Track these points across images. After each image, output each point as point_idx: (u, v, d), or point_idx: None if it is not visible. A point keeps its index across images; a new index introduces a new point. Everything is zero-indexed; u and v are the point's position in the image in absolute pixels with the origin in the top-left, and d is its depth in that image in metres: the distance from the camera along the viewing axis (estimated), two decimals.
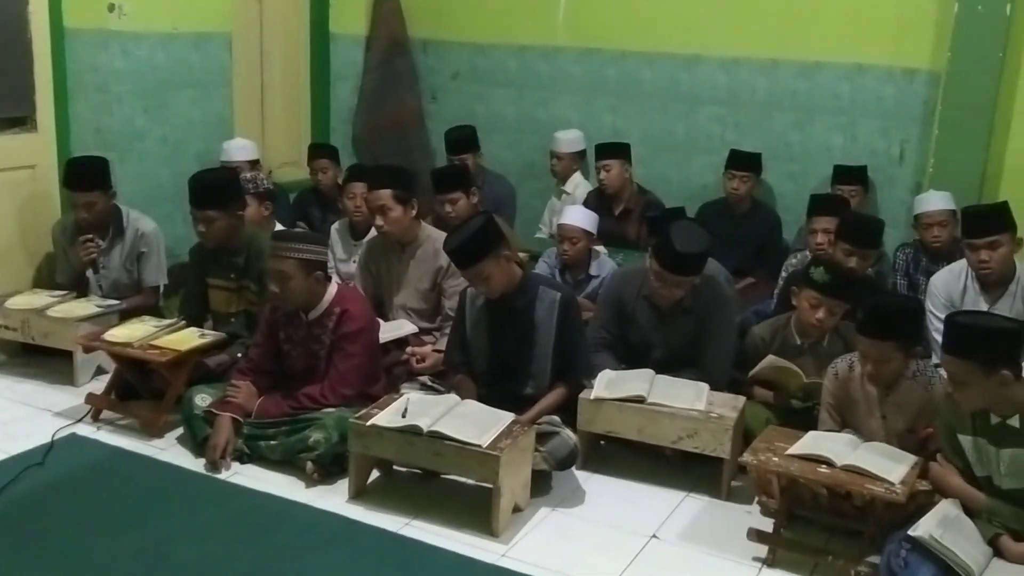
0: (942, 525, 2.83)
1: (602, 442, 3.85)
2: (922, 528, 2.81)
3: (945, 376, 3.51)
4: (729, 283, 4.58)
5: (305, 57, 6.45)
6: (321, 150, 5.85)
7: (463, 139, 5.62)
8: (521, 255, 4.48)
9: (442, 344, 4.09)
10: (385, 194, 4.23)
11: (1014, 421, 2.84)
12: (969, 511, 2.93)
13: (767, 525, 3.26)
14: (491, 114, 6.25)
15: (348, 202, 5.01)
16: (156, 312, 4.46)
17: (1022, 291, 4.08)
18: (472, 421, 3.34)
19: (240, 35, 5.75)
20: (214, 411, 3.68)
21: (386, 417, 3.39)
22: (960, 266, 4.25)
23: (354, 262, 4.80)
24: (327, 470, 3.55)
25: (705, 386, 3.74)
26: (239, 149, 5.41)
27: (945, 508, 2.93)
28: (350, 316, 3.67)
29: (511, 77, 6.21)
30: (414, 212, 4.30)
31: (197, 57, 5.36)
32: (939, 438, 3.11)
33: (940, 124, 5.07)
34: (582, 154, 5.67)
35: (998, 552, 2.85)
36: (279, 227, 4.50)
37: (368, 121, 6.41)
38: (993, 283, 4.11)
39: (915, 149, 5.27)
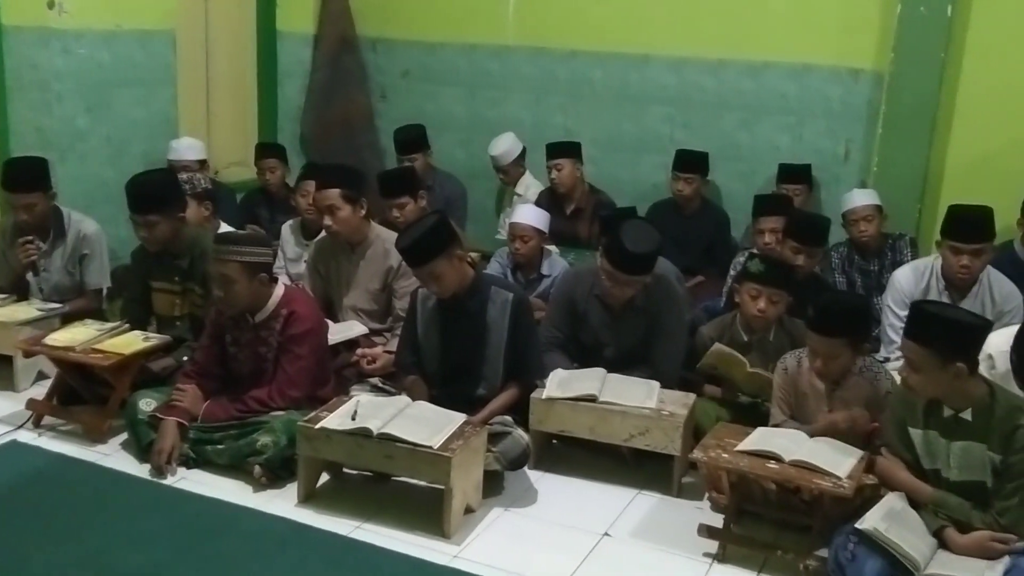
0: (888, 518, 2.87)
1: (554, 441, 3.85)
2: (869, 521, 2.86)
3: (893, 369, 3.62)
4: (680, 281, 4.61)
5: (252, 55, 6.38)
6: (269, 149, 5.79)
7: (412, 138, 5.59)
8: (473, 255, 4.47)
9: (393, 345, 4.05)
10: (333, 193, 4.19)
11: (967, 415, 2.89)
12: (915, 504, 2.98)
13: (718, 521, 3.28)
14: (441, 113, 6.23)
15: (301, 200, 4.96)
16: (99, 315, 4.37)
17: (984, 294, 4.12)
18: (423, 422, 3.32)
19: (184, 33, 5.67)
20: (159, 415, 3.61)
21: (336, 420, 3.35)
22: (925, 264, 4.28)
23: (304, 263, 4.74)
24: (275, 474, 3.50)
25: (656, 384, 3.76)
26: (187, 148, 5.33)
27: (891, 501, 2.97)
28: (297, 317, 3.63)
29: (461, 76, 6.20)
30: (363, 212, 4.26)
31: (141, 55, 5.28)
32: (886, 432, 3.15)
33: (884, 124, 5.16)
34: (523, 154, 5.67)
35: (943, 544, 2.89)
36: (224, 227, 4.42)
37: (317, 120, 6.35)
38: (962, 286, 4.13)
39: (860, 148, 5.36)
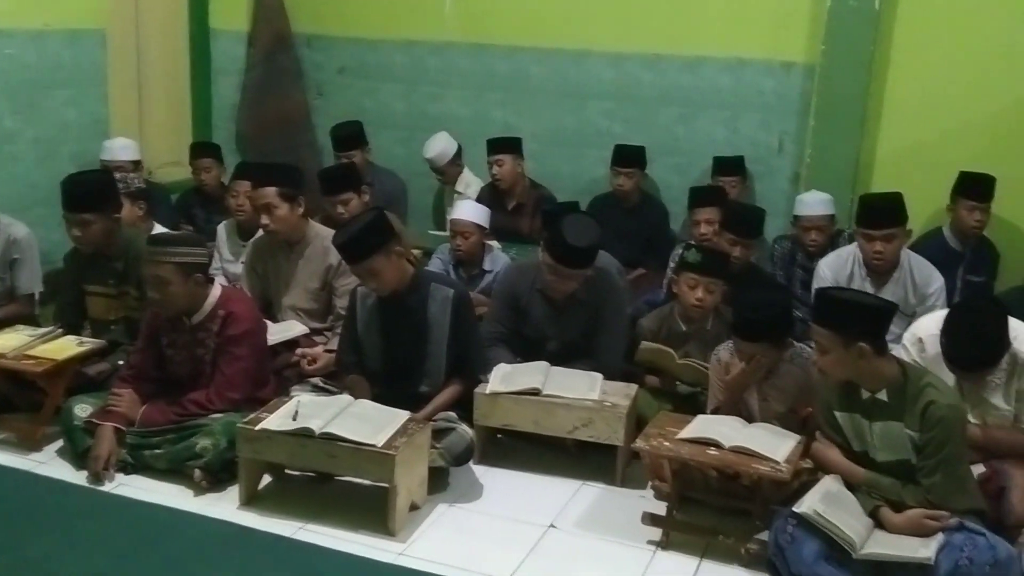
0: (825, 500, 2.94)
1: (499, 436, 3.87)
2: (806, 504, 2.92)
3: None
4: (621, 274, 4.65)
5: (184, 54, 6.27)
6: (204, 149, 5.70)
7: (350, 135, 5.55)
8: (415, 252, 4.46)
9: (334, 345, 4.02)
10: (270, 192, 4.14)
11: (883, 395, 2.97)
12: (850, 485, 3.04)
13: (660, 509, 3.32)
14: (380, 110, 6.19)
15: (232, 200, 4.89)
16: (31, 321, 4.24)
17: (906, 278, 4.23)
18: (366, 421, 3.30)
19: (115, 31, 5.56)
20: (95, 421, 3.55)
21: (276, 420, 3.32)
22: (848, 251, 4.38)
23: (241, 263, 4.68)
24: (216, 477, 3.46)
25: (599, 376, 3.79)
26: (121, 148, 5.24)
27: (827, 484, 3.03)
28: (235, 318, 3.58)
29: (399, 72, 6.16)
30: (301, 210, 4.22)
31: (70, 55, 5.17)
32: (818, 416, 3.22)
33: (816, 116, 5.25)
34: (459, 153, 5.66)
35: (879, 523, 2.97)
36: (158, 227, 4.35)
37: (252, 118, 6.27)
38: (880, 271, 4.24)
39: (793, 140, 5.45)
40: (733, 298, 3.52)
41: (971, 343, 3.09)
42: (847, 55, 5.13)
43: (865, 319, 2.95)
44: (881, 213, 4.17)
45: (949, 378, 3.19)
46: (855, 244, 4.34)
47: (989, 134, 4.98)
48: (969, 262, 4.77)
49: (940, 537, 2.83)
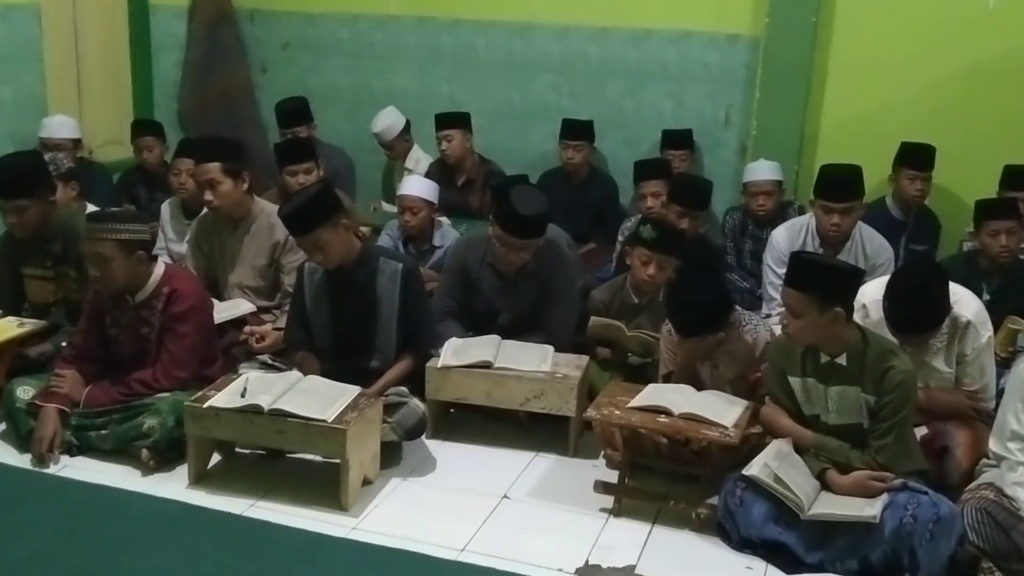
0: (773, 464, 2.98)
1: (451, 409, 3.86)
2: (755, 468, 2.96)
3: (774, 324, 3.74)
4: (571, 248, 4.67)
5: (123, 29, 6.12)
6: (145, 127, 5.57)
7: (295, 111, 5.46)
8: (363, 229, 4.41)
9: (282, 322, 3.97)
10: (213, 167, 4.06)
11: (842, 360, 3.01)
12: (798, 449, 3.09)
13: (612, 477, 3.35)
14: (325, 85, 6.12)
15: (174, 179, 4.80)
16: None
17: (857, 249, 4.29)
18: (316, 396, 3.27)
19: (50, 6, 5.43)
20: (38, 403, 3.47)
21: (224, 398, 3.28)
22: (801, 222, 4.43)
23: (186, 242, 4.59)
24: (164, 456, 3.41)
25: (550, 348, 3.80)
26: (60, 126, 5.13)
27: (776, 447, 3.08)
28: (179, 295, 3.52)
29: (344, 47, 6.09)
30: (245, 186, 4.14)
31: (3, 31, 5.06)
32: (767, 382, 3.26)
33: (761, 88, 5.30)
34: (407, 128, 5.62)
35: (826, 485, 3.02)
36: (91, 208, 4.24)
37: (194, 95, 6.16)
38: (835, 243, 4.28)
39: (739, 113, 5.49)
40: (666, 294, 3.52)
41: (913, 306, 3.15)
42: (791, 27, 5.18)
43: (842, 283, 2.98)
44: (842, 186, 4.21)
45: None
46: (808, 215, 4.39)
47: (930, 105, 5.08)
48: (911, 231, 4.86)
49: (885, 497, 2.88)
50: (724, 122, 5.54)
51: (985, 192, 4.49)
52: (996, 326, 3.54)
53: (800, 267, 3.03)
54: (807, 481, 3.00)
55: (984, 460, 3.05)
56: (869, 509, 2.85)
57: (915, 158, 4.82)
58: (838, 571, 2.92)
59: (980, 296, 3.62)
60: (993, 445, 2.94)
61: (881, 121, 5.14)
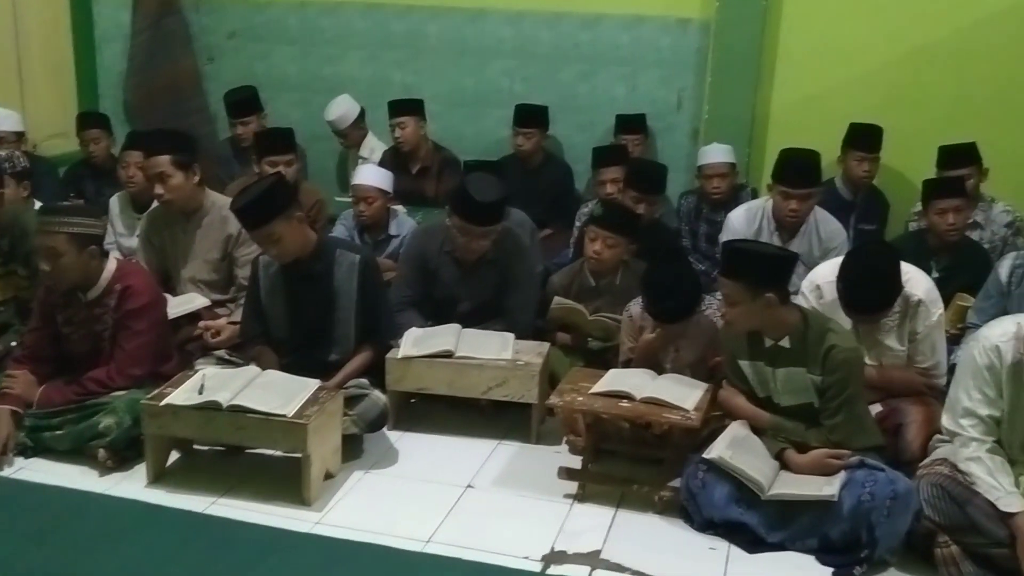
0: (733, 446, 3.03)
1: (412, 400, 3.85)
2: (715, 450, 3.00)
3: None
4: (534, 233, 4.68)
5: (65, 19, 5.98)
6: (91, 119, 5.46)
7: (245, 101, 5.39)
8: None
9: (237, 316, 3.92)
10: (163, 160, 3.98)
11: (785, 342, 3.07)
12: (757, 430, 3.14)
13: (576, 462, 3.37)
14: (274, 74, 6.02)
15: (123, 172, 4.71)
16: None
17: (812, 232, 4.34)
18: (275, 391, 3.24)
19: None
20: None
21: (182, 395, 3.24)
22: (757, 205, 4.47)
23: (137, 236, 4.51)
24: (122, 456, 3.36)
25: (511, 336, 3.81)
26: (4, 118, 5.00)
27: (735, 430, 3.12)
28: (133, 292, 3.46)
29: (293, 34, 6.00)
30: (196, 178, 4.08)
31: None
32: (724, 365, 3.30)
33: (712, 72, 5.33)
34: (362, 116, 5.57)
35: (784, 465, 3.08)
36: (39, 204, 4.16)
37: (140, 86, 6.03)
38: (791, 227, 4.33)
39: (691, 96, 5.52)
40: (642, 281, 3.55)
41: (867, 286, 3.21)
42: (741, 11, 5.21)
43: (770, 269, 3.04)
44: (802, 172, 4.25)
45: (846, 322, 3.31)
46: (765, 198, 4.43)
47: (878, 87, 5.14)
48: (860, 211, 4.94)
49: (843, 475, 2.94)
50: (676, 106, 5.56)
51: (931, 172, 4.58)
52: (946, 303, 3.61)
53: (730, 256, 3.10)
54: (766, 462, 3.05)
55: (938, 436, 3.11)
56: (828, 488, 2.91)
57: (863, 140, 4.88)
58: (799, 549, 2.98)
59: (930, 274, 3.69)
60: (946, 421, 3.00)
61: (830, 103, 5.20)
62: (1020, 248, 4.26)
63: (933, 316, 3.36)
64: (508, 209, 4.67)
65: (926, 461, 3.05)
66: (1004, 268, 3.82)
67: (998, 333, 2.89)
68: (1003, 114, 4.97)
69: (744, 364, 3.17)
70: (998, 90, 5.00)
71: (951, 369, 3.30)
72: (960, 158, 4.57)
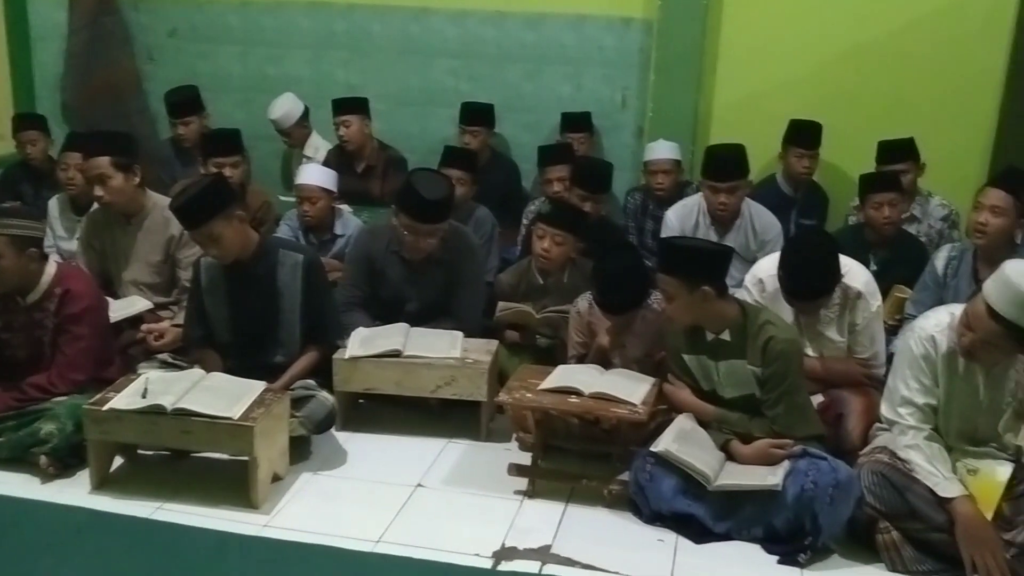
0: (679, 439, 3.07)
1: (360, 400, 3.83)
2: (662, 443, 3.04)
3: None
4: (495, 228, 4.70)
5: None
6: (27, 120, 5.34)
7: (186, 101, 5.32)
8: None
9: (180, 319, 3.87)
10: (103, 162, 3.92)
11: (725, 335, 3.12)
12: (702, 423, 3.19)
13: (526, 459, 3.38)
14: (216, 73, 5.94)
15: (62, 174, 4.62)
16: None
17: (747, 226, 4.42)
18: (220, 394, 3.20)
19: None
20: None
21: (125, 399, 3.18)
22: (692, 202, 4.54)
23: (76, 239, 4.43)
24: (64, 462, 3.30)
25: (459, 334, 3.81)
26: None
27: (681, 423, 3.17)
28: (73, 295, 3.40)
29: (234, 33, 5.93)
30: (137, 180, 4.01)
31: None
32: (669, 360, 3.34)
33: (655, 71, 5.39)
34: (306, 114, 5.53)
35: (730, 456, 3.13)
36: None
37: (78, 86, 5.91)
38: (724, 220, 4.41)
39: (635, 95, 5.56)
40: (592, 272, 3.58)
41: (806, 273, 3.29)
42: (682, 10, 5.27)
43: (706, 263, 3.09)
44: (726, 166, 4.33)
45: (788, 314, 3.38)
46: (700, 194, 4.50)
47: (817, 84, 5.24)
48: (801, 206, 5.02)
49: (786, 464, 3.00)
50: (621, 104, 5.61)
51: (869, 167, 4.67)
52: (884, 295, 3.70)
53: (666, 252, 3.17)
54: (711, 453, 3.10)
55: (877, 425, 3.19)
56: (772, 478, 2.96)
57: (802, 136, 4.97)
58: (745, 539, 3.03)
59: (868, 267, 3.78)
60: (885, 410, 3.08)
61: (770, 101, 5.28)
62: (956, 241, 4.38)
63: (871, 308, 3.44)
64: (472, 204, 4.71)
65: (866, 449, 3.12)
66: (940, 260, 3.94)
67: (933, 323, 2.98)
68: (937, 111, 5.10)
69: (688, 358, 3.22)
70: (932, 88, 5.12)
71: (889, 359, 3.38)
72: (898, 153, 4.67)
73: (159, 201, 4.11)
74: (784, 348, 3.06)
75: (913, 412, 2.97)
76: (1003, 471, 2.89)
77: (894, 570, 2.89)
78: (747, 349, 3.09)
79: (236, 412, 3.11)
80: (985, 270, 3.72)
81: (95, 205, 4.14)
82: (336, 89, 5.63)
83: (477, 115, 5.42)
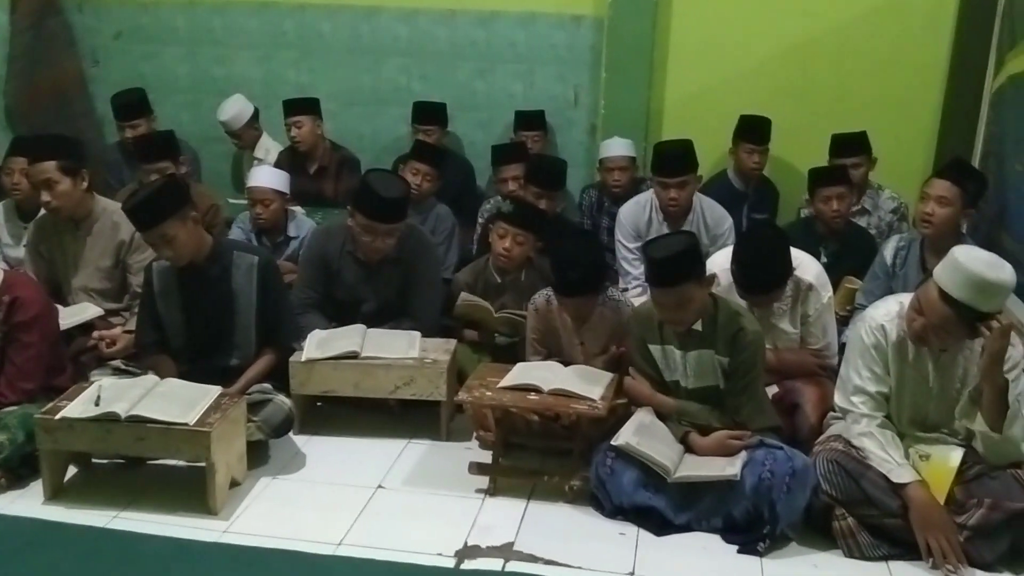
0: (639, 432, 3.09)
1: (318, 403, 3.81)
2: (622, 437, 3.06)
3: (634, 297, 3.88)
4: (455, 227, 4.74)
5: None
6: None
7: (133, 103, 5.23)
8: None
9: (132, 325, 3.81)
10: (49, 166, 3.84)
11: (698, 326, 3.14)
12: (661, 416, 3.21)
13: (486, 457, 3.39)
14: (162, 75, 5.87)
15: (6, 179, 4.51)
16: None
17: (699, 221, 4.46)
18: (175, 400, 3.16)
19: None
20: None
21: (78, 407, 3.12)
22: (645, 198, 4.57)
23: (23, 246, 4.33)
24: (16, 473, 3.24)
25: (417, 334, 3.80)
26: None
27: (640, 416, 3.19)
28: (22, 303, 3.32)
29: (181, 35, 5.86)
30: (85, 184, 3.94)
31: None
32: (630, 353, 3.37)
33: (607, 68, 5.42)
34: (256, 116, 5.48)
35: (688, 448, 3.16)
36: None
37: (22, 90, 5.77)
38: (676, 216, 4.45)
39: (588, 92, 5.60)
40: (549, 256, 3.58)
41: (759, 267, 3.32)
42: (632, 7, 5.31)
43: (695, 256, 3.09)
44: (674, 161, 4.36)
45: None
46: (651, 191, 4.54)
47: (766, 80, 5.31)
48: (752, 201, 5.09)
49: (743, 455, 3.03)
50: (574, 102, 5.64)
51: (818, 161, 4.74)
52: (834, 287, 3.76)
53: (665, 268, 3.04)
54: (671, 446, 3.13)
55: (831, 413, 3.25)
56: (730, 468, 2.99)
57: (752, 132, 5.03)
58: (704, 529, 3.06)
59: (818, 259, 3.84)
60: (838, 399, 3.13)
61: (720, 96, 5.34)
62: (905, 232, 4.47)
63: (823, 299, 3.50)
64: (432, 201, 4.70)
65: (821, 438, 3.18)
66: (888, 250, 4.02)
67: (882, 313, 3.04)
68: (883, 105, 5.20)
69: (654, 348, 3.23)
70: (878, 82, 5.22)
71: (841, 349, 3.44)
72: (851, 147, 4.75)
73: (108, 206, 4.04)
74: (753, 339, 3.11)
75: (866, 400, 3.02)
76: (954, 456, 2.96)
77: (851, 556, 2.94)
78: (717, 340, 3.12)
79: (192, 418, 3.07)
80: (932, 259, 3.80)
81: (42, 211, 4.06)
82: (286, 90, 5.59)
83: (430, 114, 5.41)
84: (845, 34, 5.23)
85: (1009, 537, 2.85)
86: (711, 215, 4.48)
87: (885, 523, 2.94)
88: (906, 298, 2.99)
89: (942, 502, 2.88)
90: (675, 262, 3.04)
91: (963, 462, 2.94)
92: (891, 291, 3.79)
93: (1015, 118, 4.81)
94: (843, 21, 5.22)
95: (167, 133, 4.81)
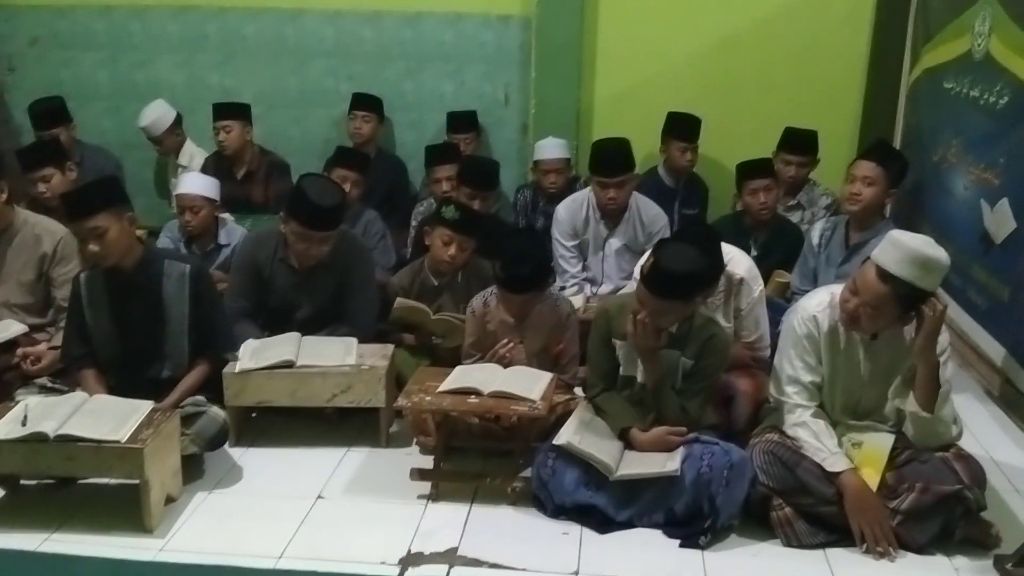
0: (580, 430, 3.11)
1: (254, 414, 3.74)
2: (564, 436, 3.07)
3: (570, 295, 3.90)
4: (386, 233, 4.71)
5: None
6: None
7: (51, 111, 5.09)
8: (139, 232, 4.17)
9: (58, 340, 3.69)
10: None
11: (672, 327, 3.15)
12: (600, 411, 3.24)
13: (428, 463, 3.36)
14: (81, 82, 5.73)
15: None
16: None
17: (635, 219, 4.50)
18: (105, 416, 3.07)
19: None
20: None
21: (3, 428, 3.01)
22: (582, 196, 4.59)
23: None
24: None
25: (353, 340, 3.75)
26: None
27: (580, 414, 3.21)
28: None
29: (100, 40, 5.72)
30: (4, 196, 3.81)
31: None
32: (590, 348, 3.34)
33: (536, 67, 5.45)
34: (178, 120, 5.37)
35: (628, 444, 3.18)
36: None
37: None
38: (613, 215, 4.48)
39: (518, 91, 5.62)
40: (497, 254, 3.56)
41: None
42: (560, 6, 5.35)
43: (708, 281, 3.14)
44: (614, 161, 4.38)
45: None
46: (588, 189, 4.56)
47: (693, 76, 5.39)
48: (682, 197, 5.16)
49: (682, 450, 3.07)
50: (504, 101, 5.65)
51: (745, 155, 4.79)
52: (765, 280, 3.83)
53: (668, 281, 3.00)
54: (612, 443, 3.15)
55: (766, 405, 3.31)
56: (670, 464, 3.02)
57: (681, 129, 5.10)
58: (646, 525, 3.08)
59: (749, 253, 3.91)
60: (773, 390, 3.19)
61: (650, 93, 5.41)
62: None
63: (755, 292, 3.55)
64: (359, 207, 4.65)
65: (757, 429, 3.23)
66: (815, 233, 4.22)
67: (815, 304, 3.10)
68: (807, 98, 5.31)
69: (619, 344, 3.22)
70: (801, 75, 5.34)
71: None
72: (802, 145, 4.84)
73: (30, 218, 3.91)
74: (722, 346, 3.17)
75: (799, 390, 3.08)
76: (886, 443, 3.03)
77: (789, 544, 2.99)
78: (688, 342, 3.14)
79: (123, 434, 2.99)
80: (856, 235, 4.04)
81: None
82: (210, 94, 5.50)
83: (367, 101, 5.40)
84: (767, 29, 5.33)
85: (940, 520, 2.93)
86: (647, 213, 4.52)
87: (821, 511, 2.99)
88: (837, 289, 3.06)
89: (875, 488, 2.95)
90: (689, 278, 3.02)
91: (894, 448, 3.02)
92: (817, 269, 3.92)
93: (930, 110, 4.96)
94: (764, 14, 5.33)
95: (50, 140, 4.68)
